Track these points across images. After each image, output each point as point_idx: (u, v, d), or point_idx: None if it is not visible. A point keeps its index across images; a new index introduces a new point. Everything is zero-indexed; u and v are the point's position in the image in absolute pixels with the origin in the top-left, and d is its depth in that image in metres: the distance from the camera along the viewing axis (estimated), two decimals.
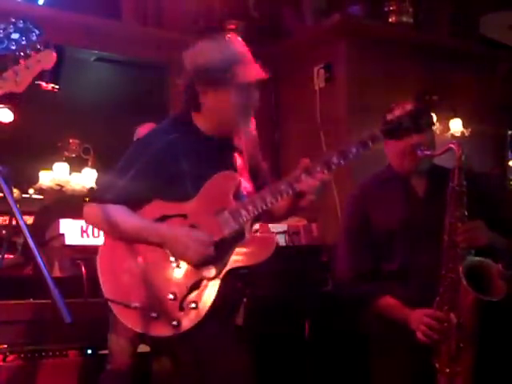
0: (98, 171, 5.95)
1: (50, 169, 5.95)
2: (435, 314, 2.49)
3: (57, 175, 5.93)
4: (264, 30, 5.37)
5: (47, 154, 5.92)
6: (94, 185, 5.90)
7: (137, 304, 2.24)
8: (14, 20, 1.95)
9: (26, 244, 1.46)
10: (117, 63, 5.81)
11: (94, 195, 2.46)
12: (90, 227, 3.50)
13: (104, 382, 3.14)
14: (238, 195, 2.35)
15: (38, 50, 1.97)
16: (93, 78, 5.94)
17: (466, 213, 2.51)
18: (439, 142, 5.31)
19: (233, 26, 5.30)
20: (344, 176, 4.70)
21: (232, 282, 2.33)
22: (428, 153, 2.61)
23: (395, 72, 4.97)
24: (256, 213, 2.29)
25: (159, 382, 2.64)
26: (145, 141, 2.42)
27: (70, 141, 6.08)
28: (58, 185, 5.83)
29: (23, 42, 1.94)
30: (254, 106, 2.40)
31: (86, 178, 5.97)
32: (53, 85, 4.71)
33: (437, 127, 5.04)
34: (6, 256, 3.68)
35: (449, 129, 5.16)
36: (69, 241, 3.45)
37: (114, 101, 5.85)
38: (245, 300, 2.93)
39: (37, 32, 1.98)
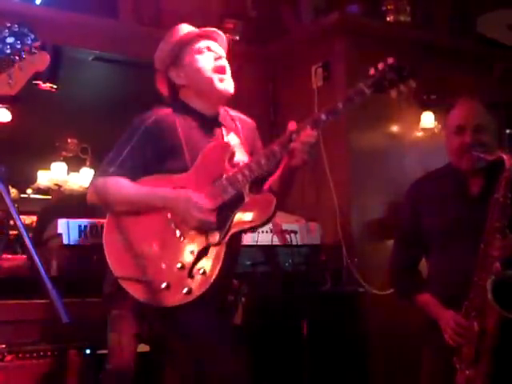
0: (95, 171, 5.94)
1: (48, 168, 5.95)
2: (460, 321, 2.55)
3: (55, 175, 5.94)
4: (262, 28, 5.37)
5: (45, 154, 5.92)
6: None
7: (147, 277, 2.30)
8: (8, 24, 1.96)
9: (23, 244, 1.46)
10: (115, 63, 5.80)
11: (97, 172, 2.54)
12: (89, 227, 3.50)
13: (104, 381, 3.13)
14: (233, 164, 2.44)
15: (33, 53, 1.99)
16: (90, 77, 5.93)
17: (508, 226, 2.53)
18: (438, 139, 5.32)
19: (231, 25, 5.29)
20: (343, 176, 4.70)
21: (235, 252, 2.43)
22: (481, 155, 2.63)
23: None
24: (253, 176, 2.38)
25: (159, 382, 2.64)
26: (141, 116, 2.53)
27: (68, 140, 6.10)
28: (56, 184, 5.84)
29: (18, 46, 1.95)
30: (219, 65, 2.56)
31: (84, 178, 5.98)
32: (51, 84, 4.70)
33: (435, 126, 5.04)
34: (12, 256, 3.68)
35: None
36: (67, 241, 3.44)
37: (111, 100, 5.84)
38: (243, 300, 2.94)
39: (32, 36, 2.00)
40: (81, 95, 5.81)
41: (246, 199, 2.37)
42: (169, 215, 2.38)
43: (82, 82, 5.80)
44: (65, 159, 6.08)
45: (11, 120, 5.43)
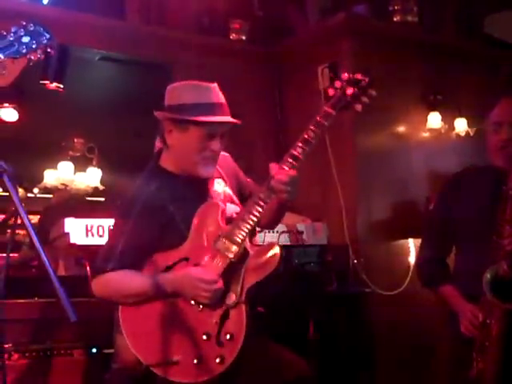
0: (102, 170, 5.95)
1: (55, 168, 5.96)
2: (475, 312, 2.59)
3: (61, 174, 5.94)
4: (268, 29, 5.37)
5: (52, 153, 5.92)
6: (98, 184, 5.92)
7: (177, 358, 2.28)
8: (24, 23, 1.95)
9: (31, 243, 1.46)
10: (121, 62, 5.80)
11: (95, 269, 2.45)
12: (95, 226, 3.51)
13: (110, 381, 3.13)
14: (227, 219, 2.41)
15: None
16: (97, 77, 5.93)
17: None
18: (444, 141, 5.30)
19: (237, 26, 5.29)
20: (349, 177, 4.70)
21: (255, 303, 2.38)
22: None
23: (400, 71, 4.96)
24: (249, 227, 2.32)
25: (165, 382, 2.64)
26: (129, 199, 2.46)
27: (75, 140, 6.10)
28: (63, 184, 5.84)
29: (34, 46, 1.93)
30: (214, 156, 2.45)
31: (90, 177, 5.98)
32: (57, 84, 4.70)
33: (442, 127, 5.03)
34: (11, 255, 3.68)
35: (454, 128, 5.15)
36: (73, 240, 3.45)
37: (118, 100, 5.84)
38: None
39: (47, 35, 1.97)
40: (87, 95, 5.82)
41: (251, 252, 2.33)
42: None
43: (89, 82, 5.80)
44: (71, 159, 6.08)
45: (18, 119, 5.44)
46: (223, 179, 2.56)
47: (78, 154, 6.13)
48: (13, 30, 1.92)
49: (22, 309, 3.30)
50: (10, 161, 1.65)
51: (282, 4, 5.40)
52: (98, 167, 5.98)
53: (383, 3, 5.20)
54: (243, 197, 2.58)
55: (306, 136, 2.36)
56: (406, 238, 4.80)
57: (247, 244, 2.34)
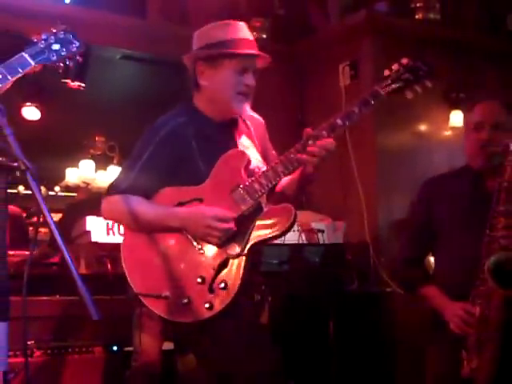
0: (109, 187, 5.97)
1: (77, 166, 6.00)
2: (467, 307, 2.54)
3: (83, 173, 5.99)
4: (289, 27, 5.35)
5: (73, 152, 5.97)
6: None
7: (167, 293, 2.26)
8: (55, 30, 1.97)
9: (53, 241, 1.47)
10: (142, 61, 5.82)
11: (109, 188, 2.45)
12: (116, 225, 3.51)
13: (130, 379, 3.14)
14: (249, 172, 2.38)
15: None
16: (118, 75, 5.96)
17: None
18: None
19: (258, 24, 5.29)
20: (370, 176, 4.68)
21: (256, 263, 2.37)
22: (495, 148, 2.63)
23: None
24: (270, 185, 2.31)
25: (184, 380, 2.64)
26: (154, 127, 2.45)
27: (96, 138, 6.14)
28: (84, 182, 5.89)
29: (63, 53, 1.97)
30: (248, 91, 2.43)
31: (111, 176, 6.01)
32: (79, 83, 4.73)
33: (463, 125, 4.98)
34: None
35: None
36: (95, 238, 3.47)
37: (139, 99, 5.87)
38: (269, 299, 2.91)
39: (76, 44, 2.01)
40: (108, 93, 5.85)
41: (265, 209, 2.31)
42: (185, 232, 2.34)
43: (110, 81, 5.83)
44: (93, 157, 6.13)
45: (40, 118, 5.49)
46: (251, 137, 2.54)
47: (99, 153, 6.18)
48: (43, 37, 1.95)
49: (44, 306, 3.32)
50: (32, 159, 1.66)
51: (303, 2, 5.38)
52: (119, 165, 6.01)
53: (405, 1, 5.16)
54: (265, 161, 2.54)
55: (349, 111, 2.33)
56: None
57: (263, 200, 2.32)
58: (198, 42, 2.48)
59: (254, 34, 5.30)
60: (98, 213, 3.50)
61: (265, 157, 2.56)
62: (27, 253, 3.55)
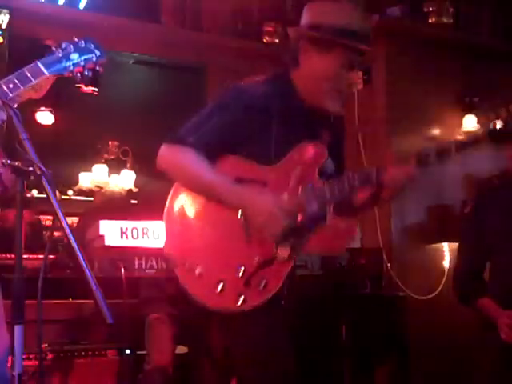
0: (136, 173, 6.00)
1: (90, 170, 6.02)
2: None
3: (96, 177, 6.00)
4: None
5: (87, 156, 5.99)
6: (132, 186, 5.96)
7: (201, 270, 2.07)
8: (76, 39, 1.89)
9: (68, 245, 1.47)
10: (155, 65, 5.85)
11: (174, 136, 2.17)
12: (130, 228, 3.52)
13: (143, 382, 3.16)
14: (322, 172, 2.17)
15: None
16: (131, 80, 5.99)
17: None
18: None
19: (270, 28, 5.30)
20: None
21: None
22: None
23: (435, 73, 4.91)
24: (341, 197, 2.10)
25: (197, 383, 2.64)
26: (238, 88, 2.22)
27: (109, 143, 6.15)
28: (97, 186, 5.90)
29: (82, 64, 1.89)
30: (346, 89, 2.23)
31: (124, 180, 6.03)
32: (92, 88, 4.76)
33: (478, 129, 4.96)
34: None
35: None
36: (108, 242, 3.48)
37: (152, 103, 5.89)
38: (282, 302, 2.89)
39: (97, 53, 1.93)
40: (122, 98, 5.88)
41: (328, 221, 2.07)
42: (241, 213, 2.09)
43: (123, 85, 5.86)
44: (106, 161, 6.14)
45: (54, 123, 5.52)
46: (331, 137, 2.29)
47: (113, 157, 6.19)
48: (63, 45, 1.87)
49: (57, 310, 3.34)
50: (45, 163, 1.67)
51: None
52: (132, 170, 6.03)
53: (418, 4, 5.15)
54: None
55: (444, 147, 2.18)
56: (441, 241, 4.74)
57: (330, 211, 2.09)
58: (307, 16, 2.22)
59: (267, 38, 5.36)
60: (114, 217, 3.53)
61: (338, 159, 2.34)
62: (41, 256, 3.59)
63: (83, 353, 3.22)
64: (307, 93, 2.21)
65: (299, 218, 2.06)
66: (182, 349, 3.26)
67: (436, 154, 2.15)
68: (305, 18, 2.22)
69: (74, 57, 1.87)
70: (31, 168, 1.60)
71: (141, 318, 3.12)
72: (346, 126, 2.44)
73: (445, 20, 5.02)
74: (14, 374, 1.60)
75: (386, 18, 4.90)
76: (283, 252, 2.05)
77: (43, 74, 1.81)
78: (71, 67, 1.86)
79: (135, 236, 3.50)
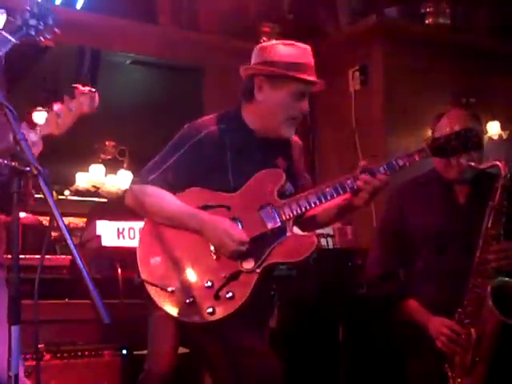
0: (133, 173, 6.00)
1: (86, 170, 6.02)
2: (454, 327, 2.51)
3: (93, 177, 6.01)
4: (298, 32, 5.36)
5: (83, 156, 5.99)
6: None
7: (173, 288, 2.27)
8: (28, 7, 2.01)
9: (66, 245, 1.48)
10: (152, 66, 5.85)
11: (137, 177, 2.47)
12: (127, 229, 3.53)
13: (143, 382, 3.15)
14: (281, 194, 2.39)
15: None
16: (128, 80, 5.99)
17: (503, 233, 2.50)
18: None
19: (267, 29, 5.30)
20: None
21: (267, 279, 2.36)
22: (472, 164, 2.59)
23: (432, 74, 4.92)
24: (299, 212, 2.33)
25: (198, 383, 2.65)
26: (192, 128, 2.45)
27: (106, 143, 6.16)
28: (94, 186, 5.90)
29: (41, 27, 2.02)
30: (300, 116, 2.45)
31: (121, 180, 6.03)
32: (89, 88, 4.75)
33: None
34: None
35: (486, 131, 5.09)
36: (105, 242, 3.48)
37: (149, 103, 5.89)
38: (278, 303, 2.91)
39: (52, 15, 2.04)
40: (119, 98, 5.87)
41: (288, 234, 2.32)
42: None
43: (120, 85, 5.86)
44: (103, 161, 6.14)
45: None
46: (287, 160, 2.54)
47: (109, 157, 6.19)
48: (18, 14, 1.99)
49: (54, 309, 3.34)
50: (42, 163, 1.67)
51: (312, 7, 5.39)
52: (129, 170, 6.03)
53: (415, 5, 5.16)
54: (295, 183, 2.54)
55: (392, 161, 2.44)
56: None
57: (289, 226, 2.33)
58: (260, 56, 2.47)
59: (264, 39, 5.35)
60: (118, 217, 3.53)
61: (296, 180, 2.55)
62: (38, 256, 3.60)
63: (80, 353, 3.23)
64: (259, 124, 2.44)
65: (253, 236, 2.29)
66: (183, 349, 3.26)
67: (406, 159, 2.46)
68: (258, 57, 2.47)
69: (33, 22, 2.00)
70: (28, 168, 1.60)
71: (138, 317, 3.12)
72: (298, 146, 2.62)
73: (442, 21, 5.05)
74: (10, 374, 1.60)
75: (384, 18, 4.91)
76: (247, 264, 2.28)
77: (10, 41, 1.96)
78: (33, 32, 2.00)
79: (132, 236, 3.50)
